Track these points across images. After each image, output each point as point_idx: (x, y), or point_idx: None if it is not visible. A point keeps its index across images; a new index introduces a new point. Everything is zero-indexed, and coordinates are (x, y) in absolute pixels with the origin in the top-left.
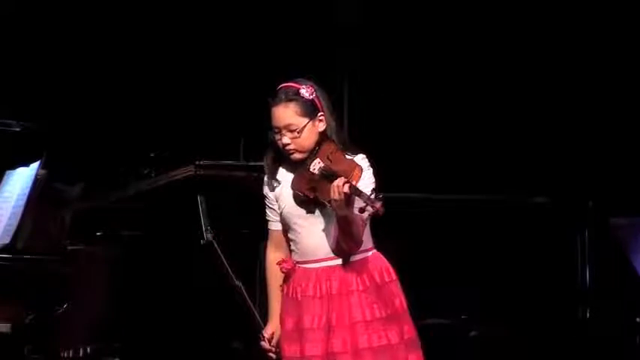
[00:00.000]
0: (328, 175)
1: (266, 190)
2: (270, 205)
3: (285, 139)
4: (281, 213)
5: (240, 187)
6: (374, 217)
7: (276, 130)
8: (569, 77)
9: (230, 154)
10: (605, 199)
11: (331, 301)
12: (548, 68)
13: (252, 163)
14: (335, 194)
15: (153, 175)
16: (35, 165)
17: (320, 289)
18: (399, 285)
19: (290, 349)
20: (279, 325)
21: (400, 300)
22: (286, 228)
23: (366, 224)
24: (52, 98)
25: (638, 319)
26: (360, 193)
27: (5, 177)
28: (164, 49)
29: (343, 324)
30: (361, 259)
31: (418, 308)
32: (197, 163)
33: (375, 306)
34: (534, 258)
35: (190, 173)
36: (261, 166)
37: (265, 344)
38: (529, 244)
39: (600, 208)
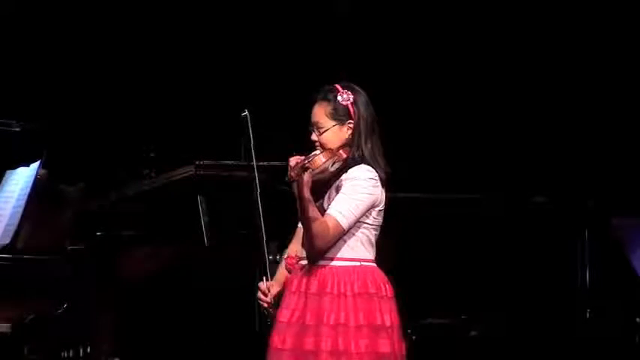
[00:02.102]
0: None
1: None
2: None
3: (314, 136)
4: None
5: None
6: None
7: (310, 127)
8: (569, 77)
9: (230, 154)
10: (605, 199)
11: (308, 299)
12: (548, 68)
13: (252, 163)
14: (289, 170)
15: (153, 175)
16: (35, 165)
17: (301, 285)
18: (391, 302)
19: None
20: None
21: (382, 315)
22: None
23: (341, 235)
24: (52, 98)
25: (638, 319)
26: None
27: (5, 177)
28: (164, 49)
29: (315, 324)
30: (346, 267)
31: (418, 308)
32: (197, 163)
33: (342, 313)
34: (534, 258)
35: (190, 173)
36: (262, 167)
37: (260, 294)
38: (529, 244)
39: (600, 208)
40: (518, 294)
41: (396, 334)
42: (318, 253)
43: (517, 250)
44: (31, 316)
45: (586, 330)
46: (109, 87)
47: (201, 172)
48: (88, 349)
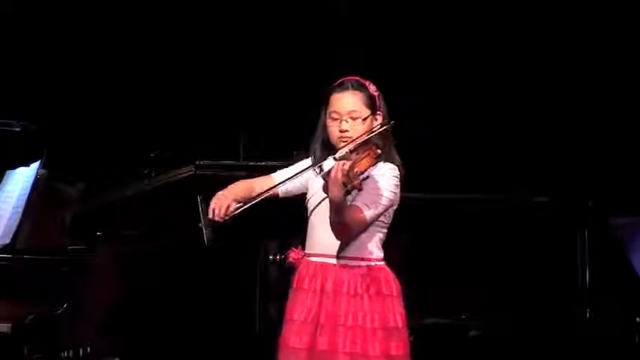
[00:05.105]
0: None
1: (305, 163)
2: (293, 169)
3: (345, 125)
4: (308, 201)
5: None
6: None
7: (336, 117)
8: (570, 77)
9: (230, 154)
10: (605, 199)
11: (323, 297)
12: (548, 68)
13: (252, 163)
14: (333, 171)
15: (153, 175)
16: (35, 165)
17: (315, 283)
18: (399, 301)
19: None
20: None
21: (394, 316)
22: (308, 219)
23: (364, 228)
24: (52, 98)
25: (638, 319)
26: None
27: (5, 177)
28: (164, 49)
29: (329, 323)
30: (360, 266)
31: (418, 308)
32: (197, 163)
33: (359, 314)
34: (534, 258)
35: (190, 173)
36: (261, 167)
37: (222, 210)
38: (529, 244)
39: (600, 208)
40: (518, 294)
41: (404, 334)
42: (342, 240)
43: (517, 250)
44: (31, 316)
45: (586, 330)
46: (109, 87)
47: (201, 172)
48: (88, 349)
